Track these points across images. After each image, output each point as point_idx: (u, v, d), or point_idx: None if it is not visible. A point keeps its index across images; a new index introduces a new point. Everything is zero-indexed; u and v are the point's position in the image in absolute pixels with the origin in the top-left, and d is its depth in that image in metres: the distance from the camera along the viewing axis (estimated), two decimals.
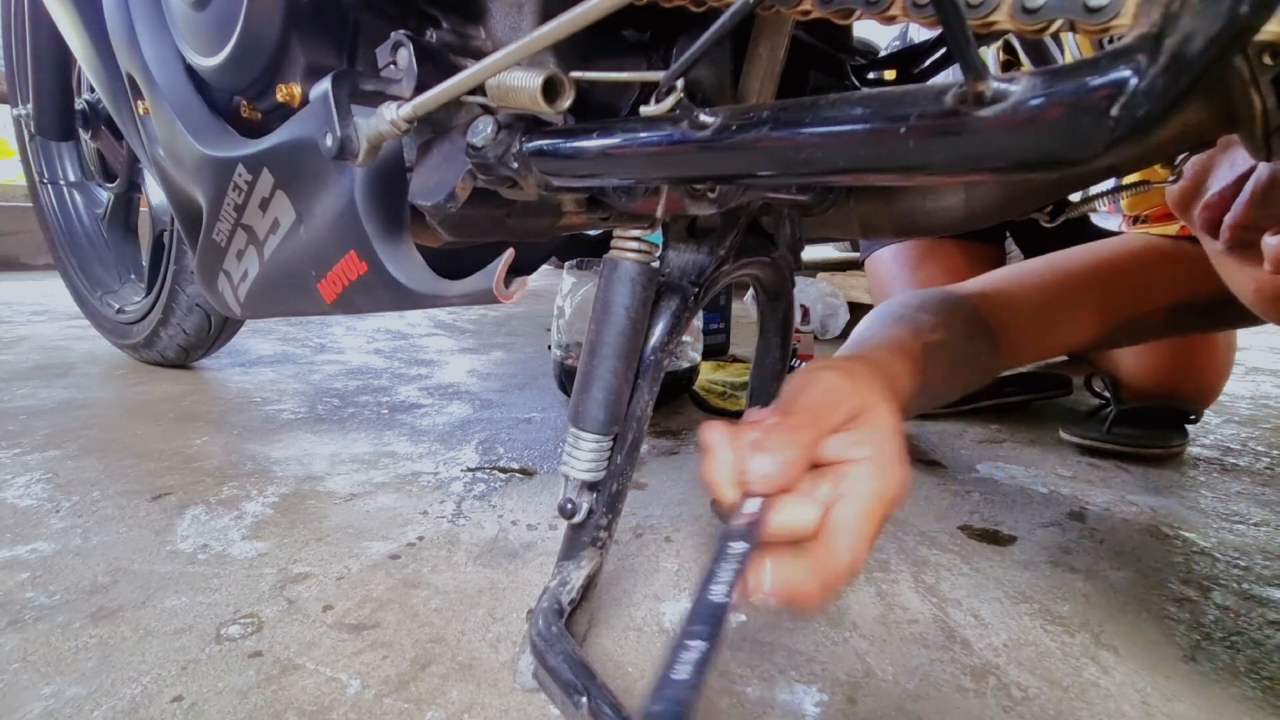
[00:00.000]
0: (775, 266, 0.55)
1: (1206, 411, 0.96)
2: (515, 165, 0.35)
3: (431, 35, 0.39)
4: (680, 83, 0.28)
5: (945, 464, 0.84)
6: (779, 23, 0.36)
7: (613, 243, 0.43)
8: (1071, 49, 0.45)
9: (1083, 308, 0.71)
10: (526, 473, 0.74)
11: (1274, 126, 0.31)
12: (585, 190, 0.42)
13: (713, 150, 0.28)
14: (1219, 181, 0.47)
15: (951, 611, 0.52)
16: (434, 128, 0.41)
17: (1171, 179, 0.42)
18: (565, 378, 1.01)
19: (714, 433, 0.36)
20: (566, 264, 0.99)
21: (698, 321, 1.16)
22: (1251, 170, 0.45)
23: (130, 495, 0.64)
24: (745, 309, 1.89)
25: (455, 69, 0.35)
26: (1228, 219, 0.47)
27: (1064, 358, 1.53)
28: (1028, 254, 1.19)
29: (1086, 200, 0.45)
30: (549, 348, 1.05)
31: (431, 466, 0.74)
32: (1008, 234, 1.22)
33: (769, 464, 0.34)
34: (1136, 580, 0.58)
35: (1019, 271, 0.75)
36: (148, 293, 1.03)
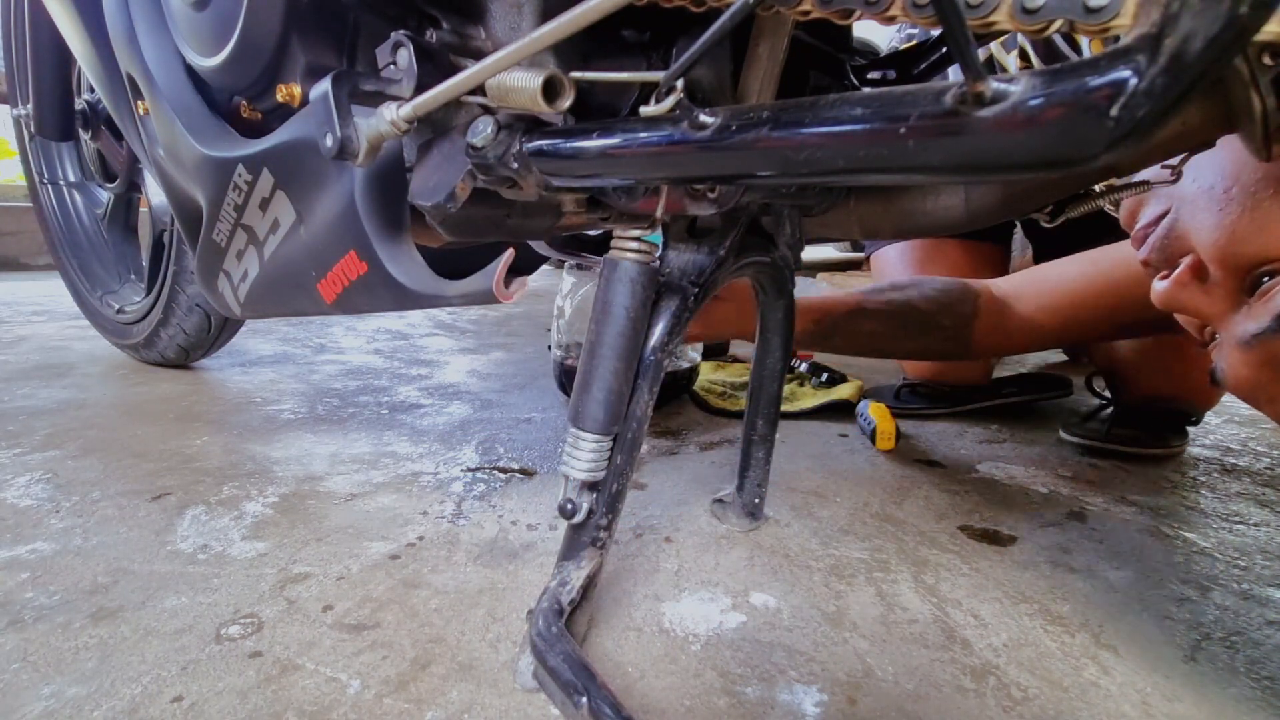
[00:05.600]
0: (775, 266, 0.55)
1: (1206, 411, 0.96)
2: (515, 165, 0.35)
3: (431, 35, 0.39)
4: (680, 83, 0.28)
5: (945, 464, 0.84)
6: (779, 23, 0.36)
7: (613, 243, 0.43)
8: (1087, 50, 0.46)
9: (1100, 309, 0.79)
10: (526, 473, 0.74)
11: (1274, 127, 0.31)
12: (585, 190, 0.42)
13: (713, 150, 0.28)
14: (1144, 218, 0.52)
15: (951, 611, 0.52)
16: (434, 128, 0.41)
17: (1171, 179, 0.42)
18: (565, 378, 1.01)
19: None
20: (566, 264, 0.99)
21: None
22: (1166, 214, 0.50)
23: (130, 495, 0.64)
24: None
25: (455, 69, 0.35)
26: (1139, 254, 0.52)
27: (1064, 358, 1.54)
28: (1038, 248, 1.19)
29: (1086, 200, 0.45)
30: (549, 348, 1.05)
31: (431, 466, 0.74)
32: (1017, 229, 1.22)
33: None
34: (1136, 580, 0.58)
35: (1040, 272, 0.85)
36: (148, 293, 1.03)
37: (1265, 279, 0.44)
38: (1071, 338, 0.87)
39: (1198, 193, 0.47)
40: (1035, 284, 0.85)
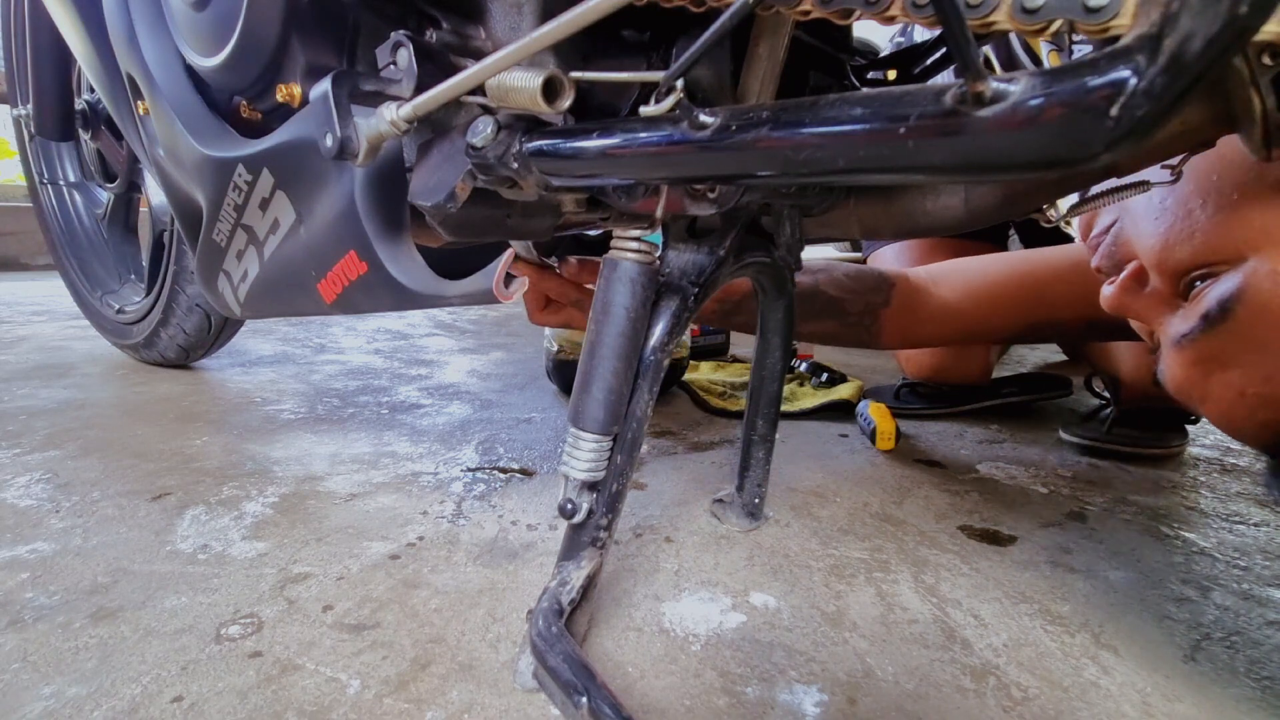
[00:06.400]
0: (775, 266, 0.55)
1: None
2: (515, 165, 0.35)
3: (431, 35, 0.39)
4: (680, 83, 0.28)
5: (945, 464, 0.84)
6: (779, 23, 0.36)
7: (613, 243, 0.43)
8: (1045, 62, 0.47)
9: (1004, 307, 0.83)
10: (526, 473, 0.74)
11: (1274, 126, 0.32)
12: (585, 190, 0.42)
13: (713, 150, 0.28)
14: (1097, 228, 0.56)
15: (951, 611, 0.52)
16: (434, 128, 0.41)
17: (1171, 179, 0.42)
18: (555, 370, 1.04)
19: None
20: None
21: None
22: (1114, 224, 0.53)
23: (130, 495, 0.64)
24: None
25: (455, 69, 0.35)
26: (1092, 262, 0.56)
27: (1064, 358, 1.54)
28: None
29: (1086, 201, 0.45)
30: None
31: (431, 466, 0.74)
32: (1011, 232, 1.22)
33: None
34: (1136, 580, 0.58)
35: (963, 263, 0.88)
36: (148, 293, 1.03)
37: (1198, 283, 0.46)
38: (986, 331, 0.86)
39: (1139, 202, 0.50)
40: (957, 273, 0.86)
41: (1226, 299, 0.43)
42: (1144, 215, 0.49)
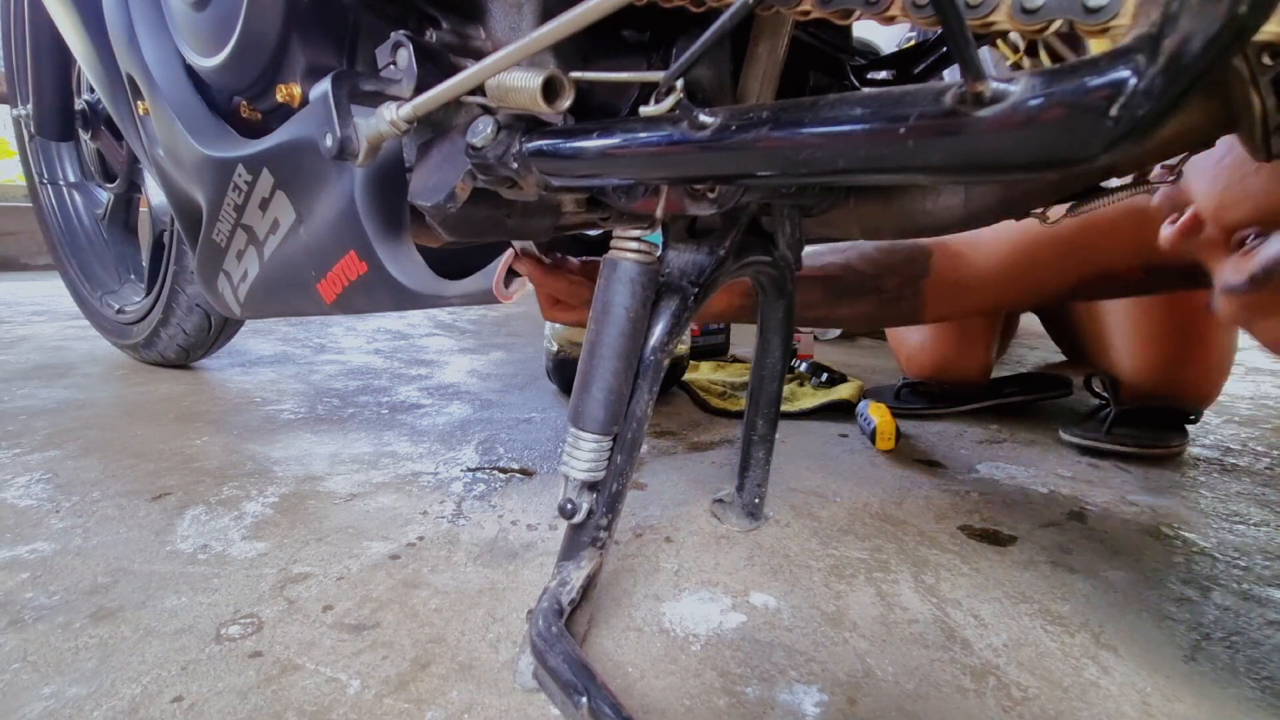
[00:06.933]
0: (775, 266, 0.55)
1: (1206, 411, 0.96)
2: (515, 165, 0.35)
3: (431, 35, 0.39)
4: (680, 83, 0.28)
5: (945, 464, 0.84)
6: (779, 23, 0.36)
7: (613, 243, 0.43)
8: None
9: (1053, 260, 0.78)
10: (526, 473, 0.74)
11: (1273, 127, 0.32)
12: (585, 190, 0.42)
13: (712, 150, 0.28)
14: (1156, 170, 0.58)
15: (951, 611, 0.52)
16: (434, 128, 0.41)
17: (1171, 179, 0.42)
18: (555, 370, 1.04)
19: None
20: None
21: None
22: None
23: (130, 495, 0.64)
24: None
25: (455, 69, 0.35)
26: (1152, 200, 0.61)
27: (1064, 358, 1.54)
28: None
29: (1086, 201, 0.45)
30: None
31: (431, 466, 0.74)
32: None
33: None
34: (1136, 580, 0.58)
35: (995, 227, 0.85)
36: (148, 293, 1.03)
37: (1249, 239, 0.50)
38: (1036, 292, 0.83)
39: (1198, 156, 0.52)
40: (992, 232, 0.81)
41: (1272, 265, 0.47)
42: (1204, 170, 0.53)
